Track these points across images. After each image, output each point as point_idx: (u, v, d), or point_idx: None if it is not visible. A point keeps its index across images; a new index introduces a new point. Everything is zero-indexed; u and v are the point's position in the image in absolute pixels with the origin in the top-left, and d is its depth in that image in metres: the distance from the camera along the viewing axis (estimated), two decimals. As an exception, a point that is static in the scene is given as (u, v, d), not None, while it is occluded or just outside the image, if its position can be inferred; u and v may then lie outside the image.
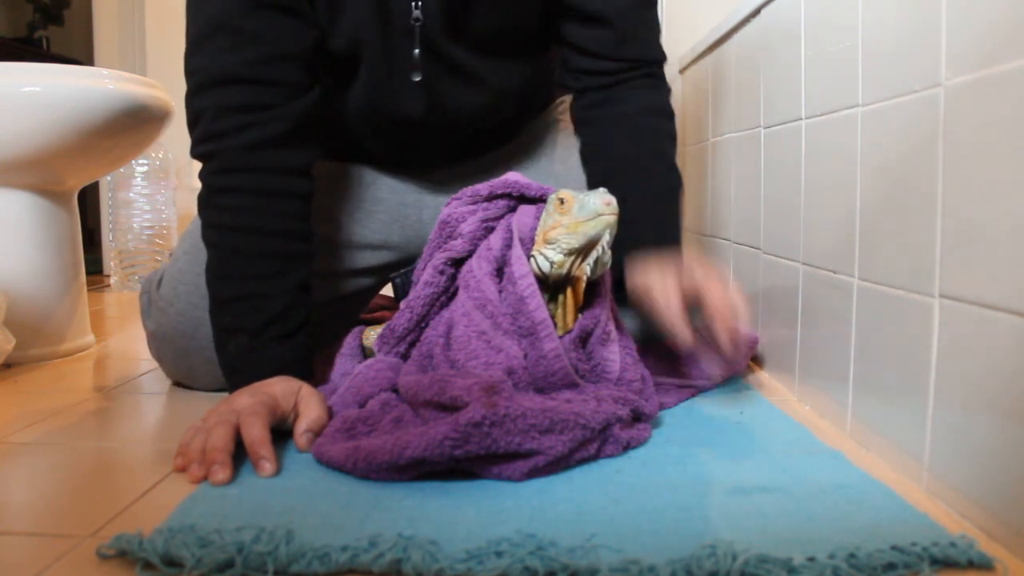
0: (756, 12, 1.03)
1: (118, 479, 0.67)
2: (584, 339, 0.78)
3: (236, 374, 0.79)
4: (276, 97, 0.83)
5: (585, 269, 0.75)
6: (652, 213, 0.91)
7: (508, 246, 0.79)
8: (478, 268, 0.78)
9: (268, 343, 0.79)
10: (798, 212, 0.88)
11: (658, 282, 0.81)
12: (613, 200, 0.73)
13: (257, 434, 0.67)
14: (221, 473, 0.63)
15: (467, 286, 0.78)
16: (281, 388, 0.74)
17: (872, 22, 0.71)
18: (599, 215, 0.72)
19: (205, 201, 0.84)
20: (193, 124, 0.85)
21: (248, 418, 0.68)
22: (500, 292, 0.77)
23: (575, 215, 0.73)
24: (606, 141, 0.98)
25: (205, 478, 0.63)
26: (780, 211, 0.94)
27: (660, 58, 1.00)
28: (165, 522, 0.54)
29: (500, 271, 0.78)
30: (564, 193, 0.75)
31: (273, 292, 0.80)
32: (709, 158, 1.29)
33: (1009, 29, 0.51)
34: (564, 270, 0.75)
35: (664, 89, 1.00)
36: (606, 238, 0.74)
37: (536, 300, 0.74)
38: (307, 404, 0.74)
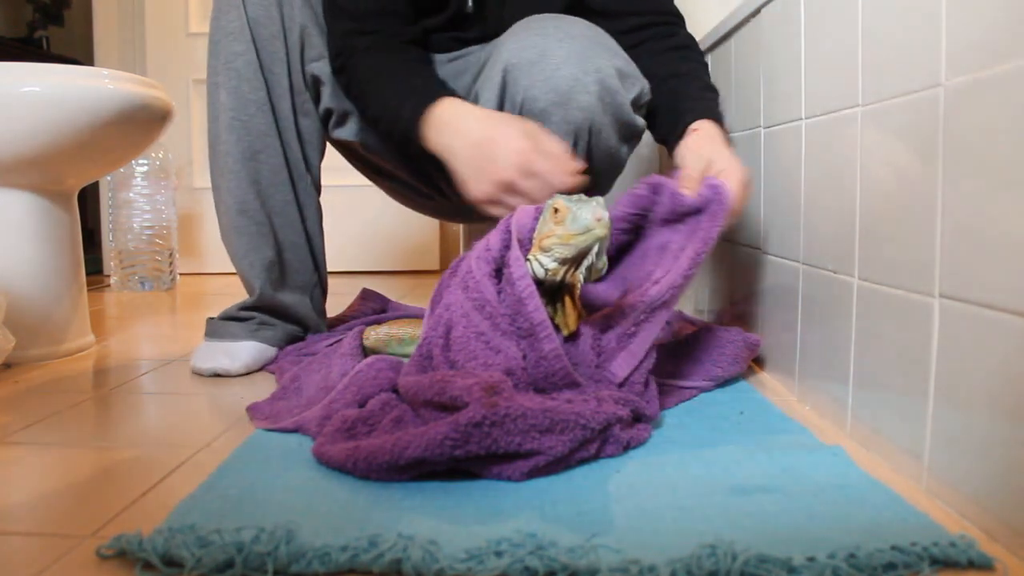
0: (756, 12, 1.03)
1: (118, 479, 0.67)
2: (600, 350, 0.78)
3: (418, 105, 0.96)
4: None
5: (579, 277, 0.76)
6: (700, 95, 1.01)
7: (507, 247, 0.79)
8: (477, 268, 0.78)
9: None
10: (798, 212, 0.88)
11: (692, 153, 0.92)
12: (605, 215, 0.73)
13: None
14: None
15: (466, 287, 0.78)
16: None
17: (872, 22, 0.71)
18: (589, 230, 0.73)
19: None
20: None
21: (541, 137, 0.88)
22: (499, 293, 0.77)
23: (567, 227, 0.74)
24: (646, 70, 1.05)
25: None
26: (780, 211, 0.94)
27: (675, 11, 1.10)
28: (165, 522, 0.54)
29: (499, 271, 0.78)
30: (559, 203, 0.75)
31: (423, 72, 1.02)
32: (709, 158, 1.29)
33: (1009, 29, 0.51)
34: (558, 277, 0.76)
35: (688, 37, 1.09)
36: (595, 249, 0.75)
37: (535, 301, 0.74)
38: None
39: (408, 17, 1.08)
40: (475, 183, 0.91)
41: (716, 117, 0.98)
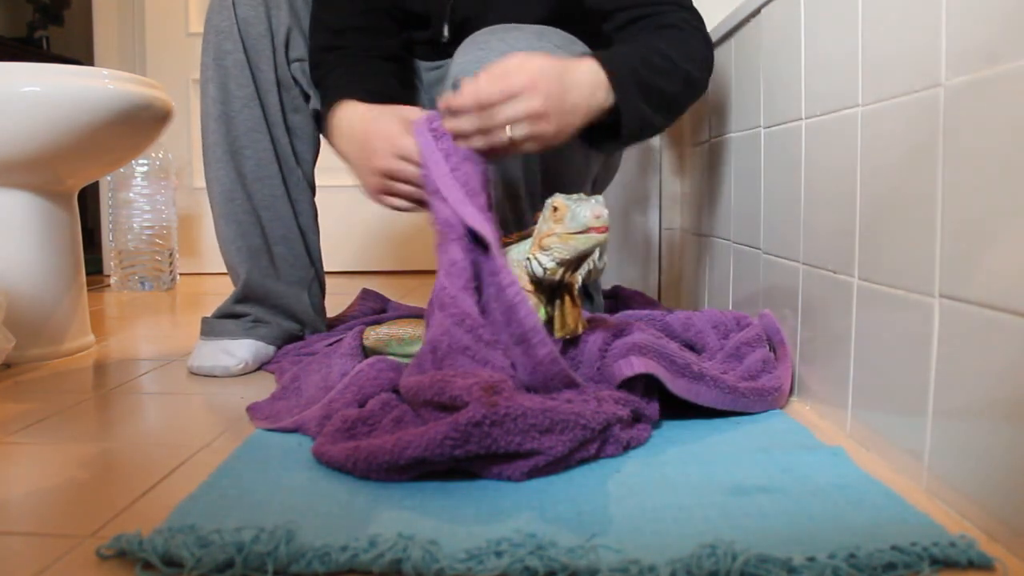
0: (756, 12, 1.03)
1: (118, 479, 0.67)
2: (606, 350, 0.78)
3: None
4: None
5: (577, 278, 0.76)
6: (620, 49, 0.92)
7: (470, 252, 0.77)
8: (450, 284, 0.76)
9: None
10: (798, 212, 0.88)
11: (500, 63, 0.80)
12: (604, 213, 0.72)
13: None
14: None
15: (442, 304, 0.76)
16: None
17: (872, 22, 0.71)
18: (588, 230, 0.72)
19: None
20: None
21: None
22: (478, 303, 0.76)
23: (566, 225, 0.73)
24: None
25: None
26: (780, 211, 0.94)
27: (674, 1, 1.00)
28: (165, 522, 0.54)
29: (473, 279, 0.77)
30: (558, 200, 0.74)
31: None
32: (709, 158, 1.29)
33: (1009, 29, 0.51)
34: (557, 277, 0.76)
35: (681, 19, 0.98)
36: (596, 252, 0.74)
37: (526, 307, 0.73)
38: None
39: (388, 31, 1.11)
40: (364, 179, 0.94)
41: (607, 61, 0.87)
